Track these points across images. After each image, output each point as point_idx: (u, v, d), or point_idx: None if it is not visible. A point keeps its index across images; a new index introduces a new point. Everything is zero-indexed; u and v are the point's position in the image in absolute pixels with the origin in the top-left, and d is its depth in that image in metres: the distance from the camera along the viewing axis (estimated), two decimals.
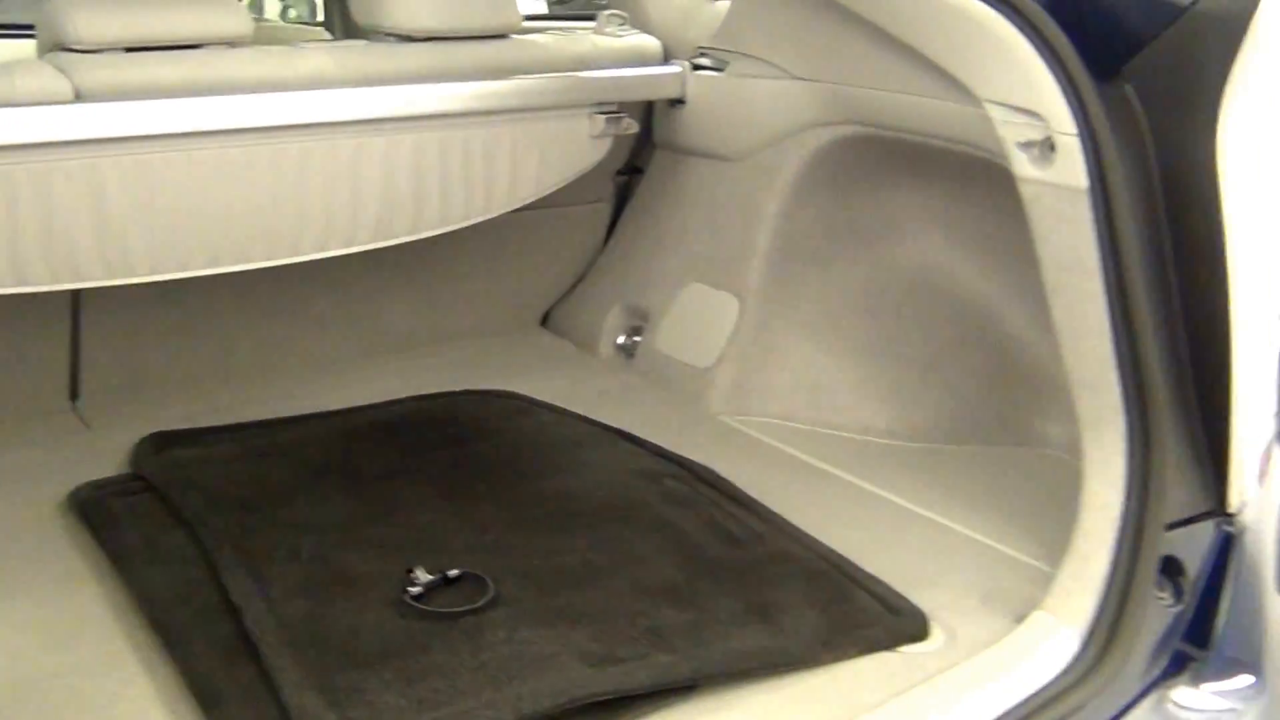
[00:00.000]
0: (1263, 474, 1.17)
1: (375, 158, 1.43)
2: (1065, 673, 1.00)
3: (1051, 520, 1.25)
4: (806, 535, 1.24)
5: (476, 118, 1.50)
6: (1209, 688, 1.03)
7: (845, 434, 1.55)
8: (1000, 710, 0.94)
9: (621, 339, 1.80)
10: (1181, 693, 1.02)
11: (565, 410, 1.57)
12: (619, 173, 1.86)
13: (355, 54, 1.45)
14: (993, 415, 1.55)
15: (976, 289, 1.55)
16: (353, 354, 1.75)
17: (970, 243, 1.53)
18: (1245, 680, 1.05)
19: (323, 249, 1.46)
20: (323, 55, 1.42)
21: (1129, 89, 1.01)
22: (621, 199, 1.88)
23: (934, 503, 1.34)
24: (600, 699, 0.96)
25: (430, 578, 1.12)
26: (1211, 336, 1.07)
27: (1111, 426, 1.08)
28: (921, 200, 1.55)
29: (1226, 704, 1.03)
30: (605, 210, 1.88)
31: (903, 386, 1.56)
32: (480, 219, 1.56)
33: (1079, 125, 0.99)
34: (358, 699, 0.95)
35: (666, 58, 1.73)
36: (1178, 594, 1.06)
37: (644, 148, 1.82)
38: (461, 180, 1.51)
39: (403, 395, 1.61)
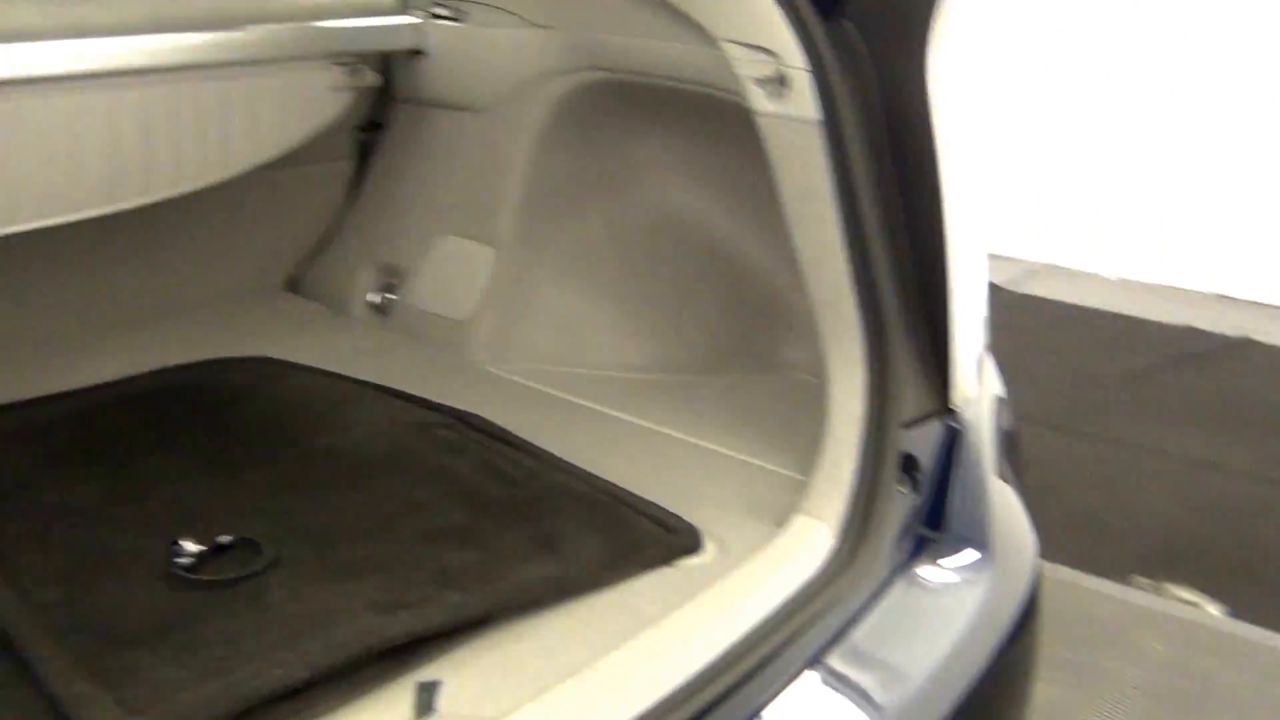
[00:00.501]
0: (978, 376, 1.31)
1: (97, 117, 1.35)
2: (826, 566, 1.09)
3: (803, 435, 1.35)
4: (580, 469, 1.28)
5: (206, 70, 1.44)
6: (946, 564, 1.16)
7: (607, 373, 1.60)
8: (773, 605, 1.02)
9: (375, 297, 1.78)
10: (924, 570, 1.13)
11: (323, 371, 1.55)
12: (361, 128, 1.83)
13: (68, 4, 1.36)
14: (742, 345, 1.64)
15: (721, 226, 1.63)
16: (86, 331, 1.65)
17: (714, 182, 1.61)
18: (974, 555, 1.17)
19: (42, 218, 1.36)
20: (29, 5, 1.33)
21: (849, 25, 1.10)
22: (365, 155, 1.85)
23: (696, 428, 1.42)
24: (395, 644, 0.97)
25: (199, 548, 1.09)
26: (931, 256, 1.18)
27: (850, 341, 1.18)
28: (665, 143, 1.61)
29: (961, 576, 1.15)
30: (348, 168, 1.84)
31: (658, 323, 1.63)
32: (217, 180, 1.51)
33: (808, 60, 1.07)
34: (134, 678, 0.91)
35: (405, 7, 1.71)
36: (915, 486, 1.18)
37: (386, 102, 1.80)
38: (194, 139, 1.45)
39: (146, 369, 1.54)
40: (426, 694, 0.92)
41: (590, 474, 1.27)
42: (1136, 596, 2.66)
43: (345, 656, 0.95)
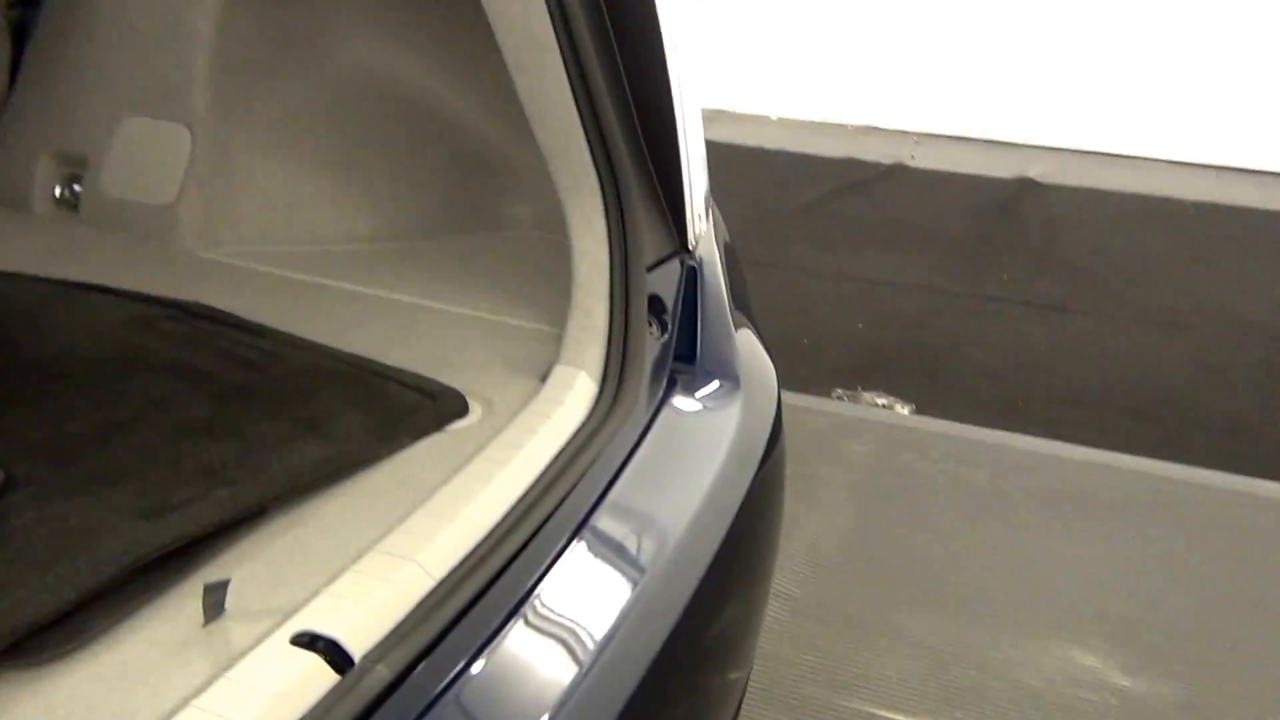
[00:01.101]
0: (706, 214, 1.36)
1: None
2: (592, 412, 1.12)
3: (542, 289, 1.36)
4: (324, 346, 1.24)
5: None
6: (699, 395, 1.21)
7: (330, 246, 1.54)
8: (549, 456, 1.03)
9: (59, 190, 1.61)
10: (681, 402, 1.18)
11: (14, 274, 1.40)
12: (10, 4, 1.62)
13: None
14: (467, 205, 1.62)
15: (431, 85, 1.58)
16: None
17: (417, 39, 1.55)
18: (725, 386, 1.24)
19: None
20: None
21: None
22: (21, 35, 1.64)
23: (435, 293, 1.40)
24: (169, 549, 0.92)
25: None
26: (656, 101, 1.20)
27: (588, 190, 1.19)
28: (359, 1, 1.53)
29: (712, 404, 1.22)
30: (4, 52, 1.64)
31: (377, 190, 1.58)
32: None
33: None
34: None
35: None
36: (663, 326, 1.22)
37: None
38: None
39: None
40: (215, 594, 0.88)
41: (336, 350, 1.23)
42: (837, 407, 2.90)
43: (116, 570, 0.89)
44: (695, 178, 1.29)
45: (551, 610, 0.90)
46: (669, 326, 1.22)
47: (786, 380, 2.95)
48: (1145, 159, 4.96)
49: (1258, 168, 4.78)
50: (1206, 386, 3.08)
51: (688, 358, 1.24)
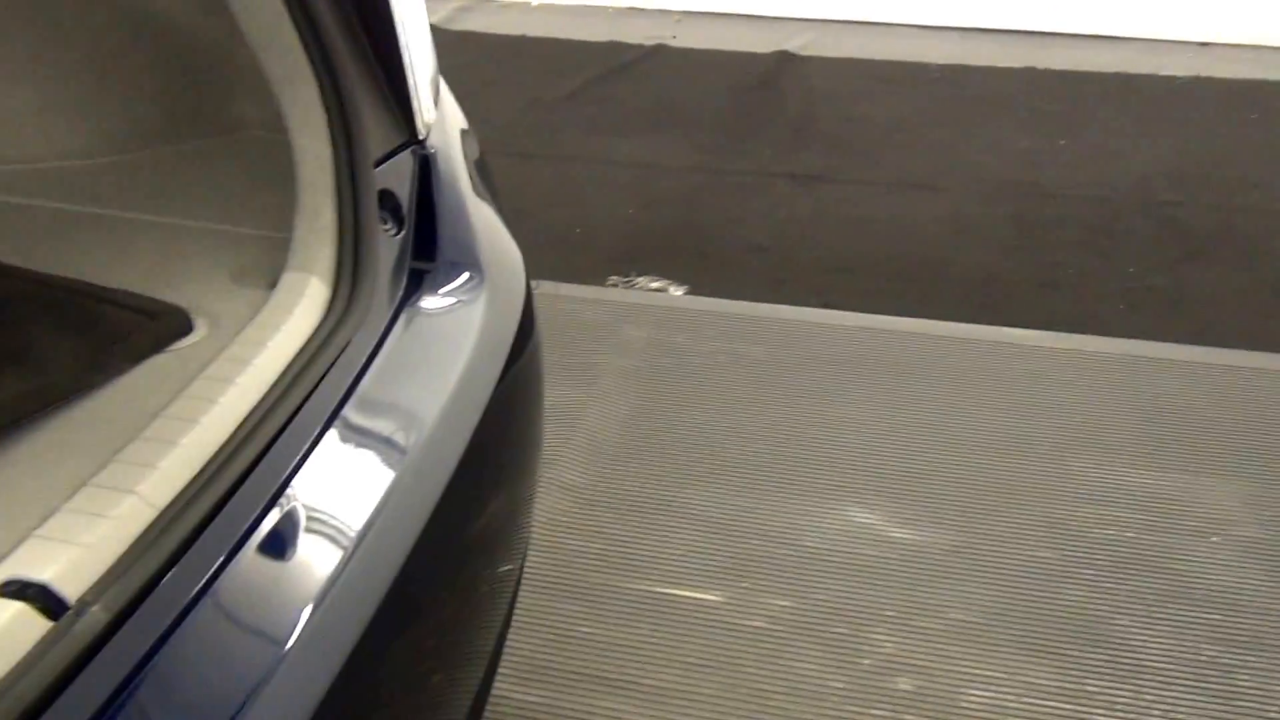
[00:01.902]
0: (435, 100, 1.31)
1: None
2: (326, 318, 1.08)
3: (272, 193, 1.29)
4: (28, 270, 1.15)
5: None
6: (441, 291, 1.19)
7: (41, 165, 1.42)
8: (278, 369, 0.99)
9: None
10: (425, 302, 1.16)
11: None
12: None
13: None
14: (188, 110, 1.51)
15: None
16: None
17: None
18: (469, 277, 1.22)
19: None
20: None
21: None
22: None
23: (156, 206, 1.31)
24: None
25: None
26: None
27: (303, 84, 1.13)
28: None
29: (459, 299, 1.20)
30: None
31: (86, 101, 1.46)
32: None
33: None
34: None
35: None
36: (399, 222, 1.18)
37: None
38: None
39: None
40: None
41: (42, 273, 1.15)
42: (614, 294, 2.92)
43: None
44: (419, 62, 1.24)
45: (289, 528, 0.87)
46: (404, 221, 1.19)
47: (562, 271, 2.96)
48: (896, 25, 5.13)
49: (998, 27, 5.02)
50: (962, 244, 3.25)
51: (428, 252, 1.21)
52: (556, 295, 2.85)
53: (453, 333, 1.17)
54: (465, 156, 1.35)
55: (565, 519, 2.11)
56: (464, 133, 1.44)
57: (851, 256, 3.18)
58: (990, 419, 2.43)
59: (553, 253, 3.14)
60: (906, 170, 3.71)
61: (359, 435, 1.01)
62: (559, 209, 3.41)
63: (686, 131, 4.00)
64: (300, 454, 0.92)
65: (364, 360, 1.05)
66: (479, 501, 1.11)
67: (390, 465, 0.99)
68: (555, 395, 2.44)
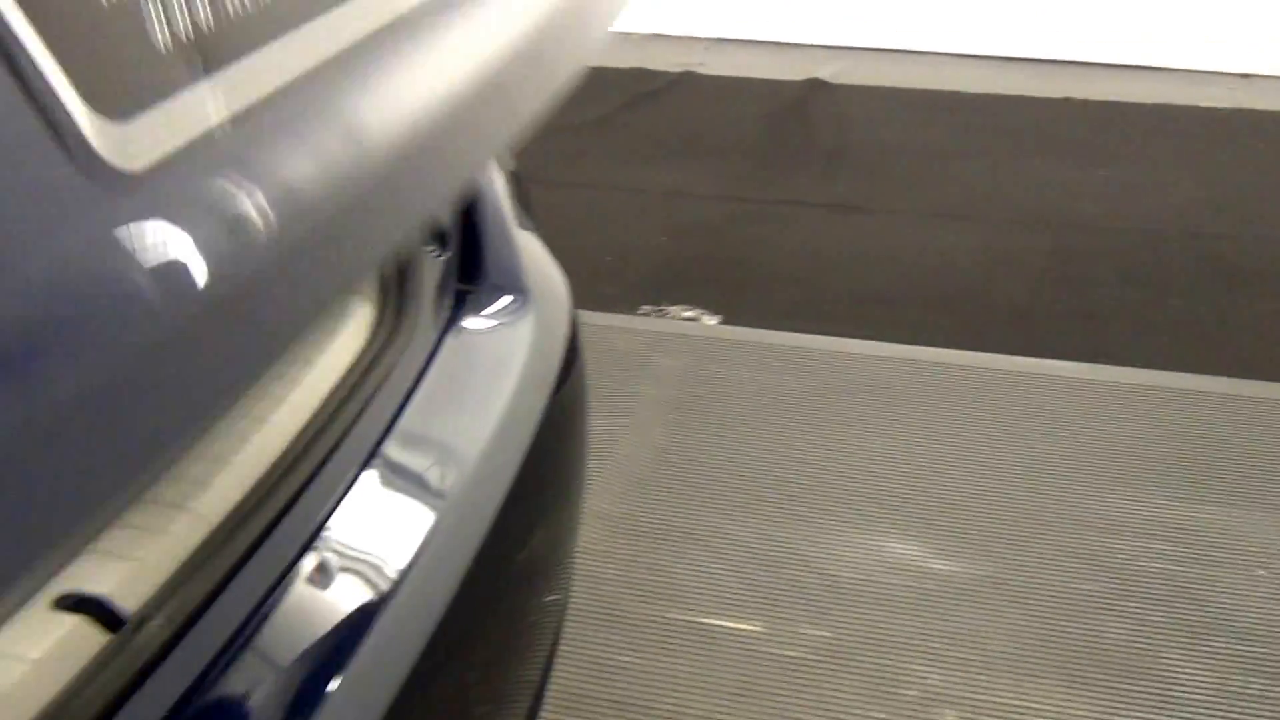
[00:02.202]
0: None
1: None
2: (373, 336, 1.09)
3: None
4: None
5: None
6: (488, 312, 1.20)
7: None
8: (329, 385, 1.01)
9: None
10: (470, 322, 1.17)
11: None
12: None
13: None
14: None
15: None
16: None
17: None
18: (510, 299, 1.23)
19: None
20: None
21: None
22: None
23: None
24: None
25: None
26: None
27: None
28: None
29: (503, 320, 1.21)
30: None
31: None
32: None
33: None
34: None
35: None
36: (442, 243, 1.20)
37: None
38: None
39: None
40: None
41: None
42: (645, 323, 2.94)
43: None
44: None
45: (343, 546, 0.88)
46: (448, 242, 1.20)
47: (592, 300, 2.97)
48: (930, 54, 5.14)
49: (1036, 57, 5.03)
50: (1000, 275, 3.25)
51: (472, 275, 1.22)
52: (587, 324, 2.86)
53: (500, 354, 1.18)
54: (508, 181, 1.37)
55: (601, 548, 2.11)
56: (504, 157, 1.46)
57: (887, 287, 3.18)
58: (1029, 450, 2.42)
59: (583, 281, 3.15)
60: (942, 200, 3.71)
61: (413, 449, 1.03)
62: (588, 236, 3.43)
63: (717, 159, 4.02)
64: (355, 469, 0.93)
65: (413, 378, 1.06)
66: (528, 526, 1.12)
67: (439, 491, 1.01)
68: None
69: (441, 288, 1.18)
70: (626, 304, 3.02)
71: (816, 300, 3.11)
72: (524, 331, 1.21)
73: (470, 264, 1.23)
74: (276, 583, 0.82)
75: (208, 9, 0.60)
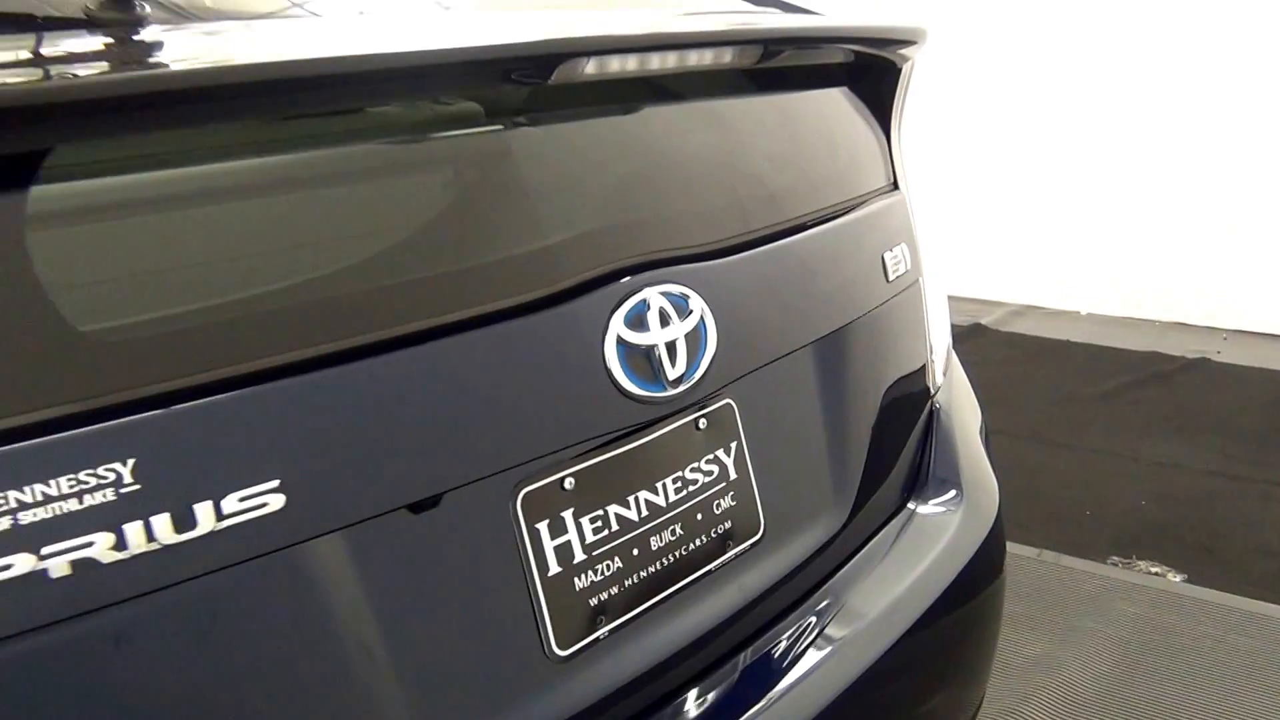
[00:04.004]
0: (945, 369, 1.75)
1: None
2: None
3: None
4: None
5: None
6: (933, 501, 1.58)
7: None
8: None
9: None
10: (919, 507, 1.56)
11: None
12: None
13: None
14: None
15: None
16: None
17: None
18: (952, 493, 1.60)
19: None
20: None
21: None
22: None
23: None
24: None
25: None
26: None
27: None
28: None
29: (945, 509, 1.58)
30: None
31: None
32: None
33: None
34: None
35: None
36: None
37: None
38: None
39: None
40: None
41: None
42: (1112, 571, 3.08)
43: None
44: (937, 341, 1.69)
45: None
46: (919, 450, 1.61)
47: (1065, 544, 3.17)
48: None
49: None
50: None
51: (925, 471, 1.62)
52: (1057, 564, 3.06)
53: (937, 527, 1.55)
54: (965, 408, 1.75)
55: None
56: (967, 393, 1.84)
57: None
58: None
59: (1060, 527, 3.35)
60: None
61: (860, 600, 1.42)
62: (1073, 492, 3.62)
63: (1213, 438, 4.04)
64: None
65: (861, 542, 1.47)
66: (930, 655, 1.46)
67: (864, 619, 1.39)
68: (1036, 645, 2.65)
69: (909, 476, 1.59)
70: (1097, 552, 3.17)
71: None
72: (954, 517, 1.57)
73: (928, 465, 1.63)
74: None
75: None
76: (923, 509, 1.58)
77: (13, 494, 0.74)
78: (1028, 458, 3.88)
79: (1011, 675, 2.57)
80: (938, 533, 1.55)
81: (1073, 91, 5.68)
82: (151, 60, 1.03)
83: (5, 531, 0.73)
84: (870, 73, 1.55)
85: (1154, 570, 3.08)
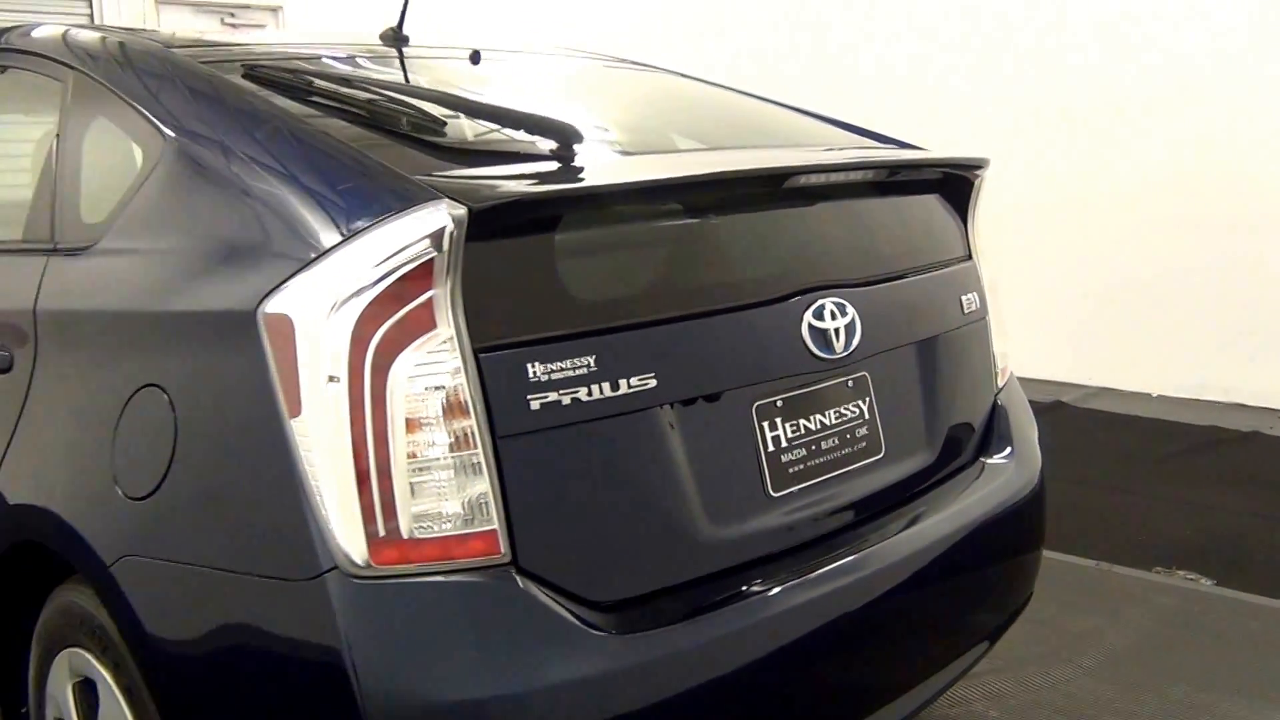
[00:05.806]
0: (1004, 379, 2.52)
1: None
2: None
3: None
4: None
5: None
6: (997, 456, 2.34)
7: None
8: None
9: None
10: (987, 460, 2.33)
11: None
12: None
13: None
14: None
15: None
16: None
17: None
18: (1009, 450, 2.37)
19: None
20: None
21: None
22: None
23: None
24: None
25: None
26: None
27: None
28: None
29: (1004, 460, 2.34)
30: None
31: None
32: None
33: None
34: None
35: None
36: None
37: None
38: None
39: None
40: None
41: None
42: (1154, 577, 3.73)
43: None
44: (998, 360, 2.47)
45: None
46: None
47: (1118, 559, 3.80)
48: None
49: None
50: None
51: (994, 436, 2.38)
52: (1110, 571, 3.72)
53: (1002, 470, 2.31)
54: (1018, 406, 2.51)
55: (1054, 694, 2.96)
56: (1020, 402, 2.58)
57: None
58: None
59: (1115, 548, 4.01)
60: None
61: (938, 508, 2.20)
62: (1129, 524, 4.26)
63: (1259, 491, 4.61)
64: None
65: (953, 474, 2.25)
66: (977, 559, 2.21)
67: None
68: (1090, 623, 3.32)
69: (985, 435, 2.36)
70: (1143, 565, 3.82)
71: None
72: (1009, 462, 2.33)
73: (997, 435, 2.40)
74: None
75: None
76: (990, 461, 2.35)
77: (557, 364, 1.60)
78: (1093, 499, 4.53)
79: (1067, 638, 3.24)
80: (999, 473, 2.31)
81: (1147, 202, 6.36)
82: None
83: (550, 383, 1.60)
84: (956, 183, 2.38)
85: (1189, 577, 3.72)
